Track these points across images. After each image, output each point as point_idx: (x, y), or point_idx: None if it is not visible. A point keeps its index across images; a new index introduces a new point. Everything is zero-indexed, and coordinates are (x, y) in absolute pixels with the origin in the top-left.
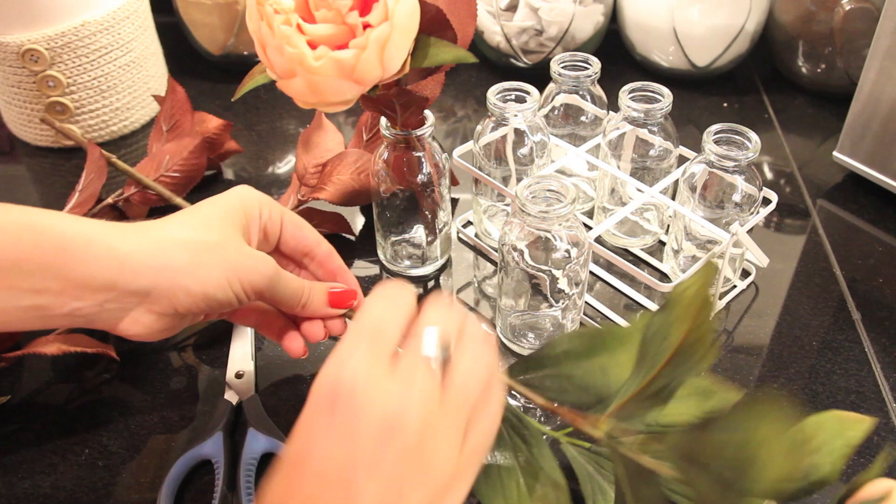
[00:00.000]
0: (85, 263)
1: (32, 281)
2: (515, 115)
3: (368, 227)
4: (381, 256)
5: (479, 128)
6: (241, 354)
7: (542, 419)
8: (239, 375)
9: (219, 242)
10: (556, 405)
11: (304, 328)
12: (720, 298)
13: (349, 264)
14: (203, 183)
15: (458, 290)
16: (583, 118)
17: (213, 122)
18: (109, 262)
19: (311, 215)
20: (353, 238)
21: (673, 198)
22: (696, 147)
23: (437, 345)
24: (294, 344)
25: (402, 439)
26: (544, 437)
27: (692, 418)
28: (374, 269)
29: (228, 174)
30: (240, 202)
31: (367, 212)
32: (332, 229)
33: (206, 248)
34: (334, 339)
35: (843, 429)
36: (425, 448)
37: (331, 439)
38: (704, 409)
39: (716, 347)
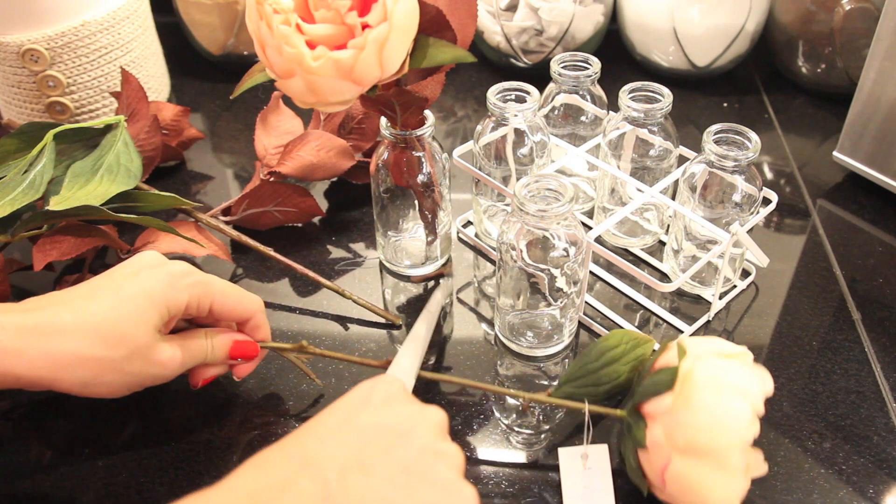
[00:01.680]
0: None
1: None
2: (515, 115)
3: (368, 226)
4: (381, 256)
5: (479, 128)
6: None
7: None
8: None
9: (126, 357)
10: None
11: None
12: (720, 298)
13: (349, 264)
14: (167, 171)
15: (459, 290)
16: (583, 118)
17: (170, 110)
18: (4, 378)
19: (275, 192)
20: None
21: (673, 198)
22: (696, 147)
23: None
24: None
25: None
26: None
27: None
28: (374, 269)
29: (228, 174)
30: (165, 296)
31: (366, 211)
32: (298, 206)
33: (109, 366)
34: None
35: (635, 346)
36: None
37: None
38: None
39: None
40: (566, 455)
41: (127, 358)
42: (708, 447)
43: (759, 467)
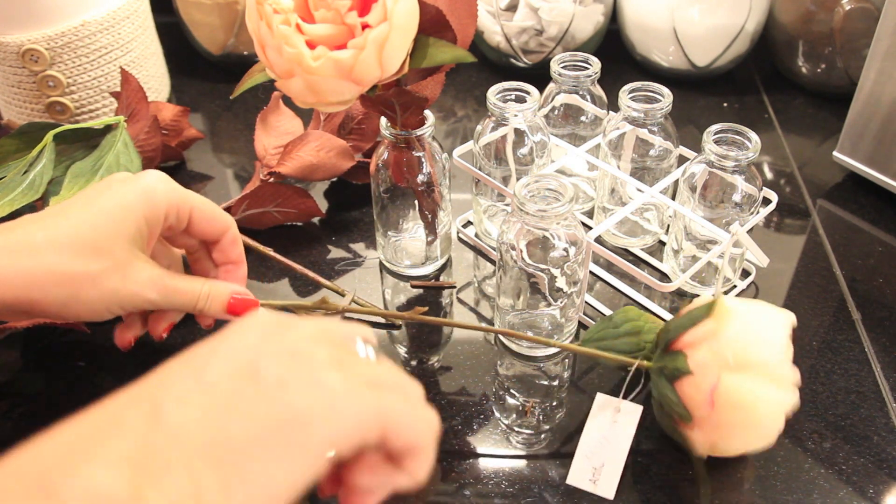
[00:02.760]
0: None
1: None
2: (515, 115)
3: (368, 226)
4: (381, 256)
5: (479, 128)
6: None
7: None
8: None
9: (103, 271)
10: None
11: (150, 322)
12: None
13: (349, 264)
14: (167, 171)
15: (459, 290)
16: (583, 118)
17: (169, 110)
18: None
19: (275, 193)
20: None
21: (673, 198)
22: (696, 147)
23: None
24: (123, 337)
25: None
26: None
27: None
28: (374, 269)
29: (228, 174)
30: (142, 206)
31: (366, 211)
32: (297, 206)
33: (86, 282)
34: None
35: (652, 330)
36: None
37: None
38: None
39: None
40: (601, 402)
41: (104, 272)
42: (759, 359)
43: (797, 392)
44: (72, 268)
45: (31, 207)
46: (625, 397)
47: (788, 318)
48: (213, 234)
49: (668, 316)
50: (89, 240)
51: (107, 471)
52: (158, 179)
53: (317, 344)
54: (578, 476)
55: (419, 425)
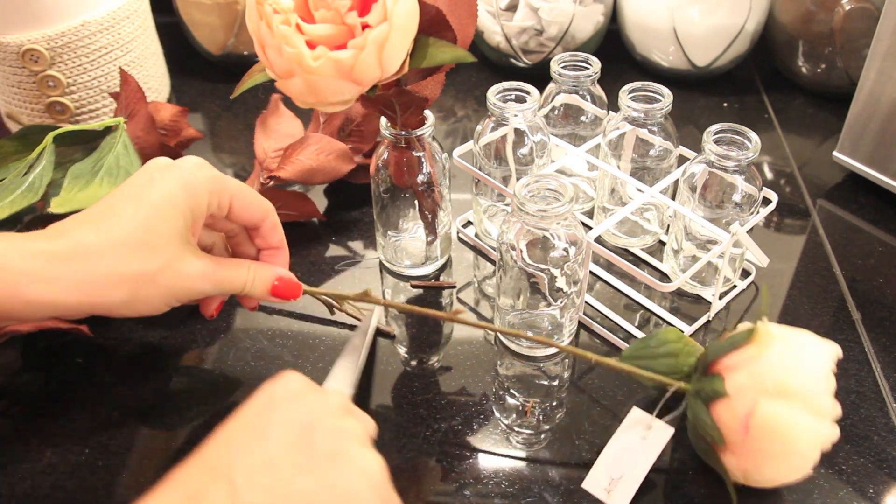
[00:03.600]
0: (16, 310)
1: None
2: (515, 115)
3: (368, 226)
4: (381, 256)
5: (479, 128)
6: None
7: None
8: None
9: (160, 269)
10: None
11: (202, 305)
12: (720, 298)
13: (349, 264)
14: None
15: (459, 290)
16: (583, 118)
17: (168, 110)
18: (42, 307)
19: (275, 197)
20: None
21: (673, 198)
22: (696, 147)
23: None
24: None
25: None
26: None
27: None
28: (374, 269)
29: (228, 174)
30: (186, 198)
31: (366, 211)
32: (298, 210)
33: (145, 281)
34: None
35: (691, 354)
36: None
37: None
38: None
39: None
40: (635, 417)
41: (160, 270)
42: (799, 388)
43: (836, 428)
44: (130, 268)
45: (31, 209)
46: (659, 417)
47: (833, 351)
48: (252, 221)
49: (685, 327)
50: (143, 239)
51: None
52: (198, 166)
53: (347, 416)
54: (595, 483)
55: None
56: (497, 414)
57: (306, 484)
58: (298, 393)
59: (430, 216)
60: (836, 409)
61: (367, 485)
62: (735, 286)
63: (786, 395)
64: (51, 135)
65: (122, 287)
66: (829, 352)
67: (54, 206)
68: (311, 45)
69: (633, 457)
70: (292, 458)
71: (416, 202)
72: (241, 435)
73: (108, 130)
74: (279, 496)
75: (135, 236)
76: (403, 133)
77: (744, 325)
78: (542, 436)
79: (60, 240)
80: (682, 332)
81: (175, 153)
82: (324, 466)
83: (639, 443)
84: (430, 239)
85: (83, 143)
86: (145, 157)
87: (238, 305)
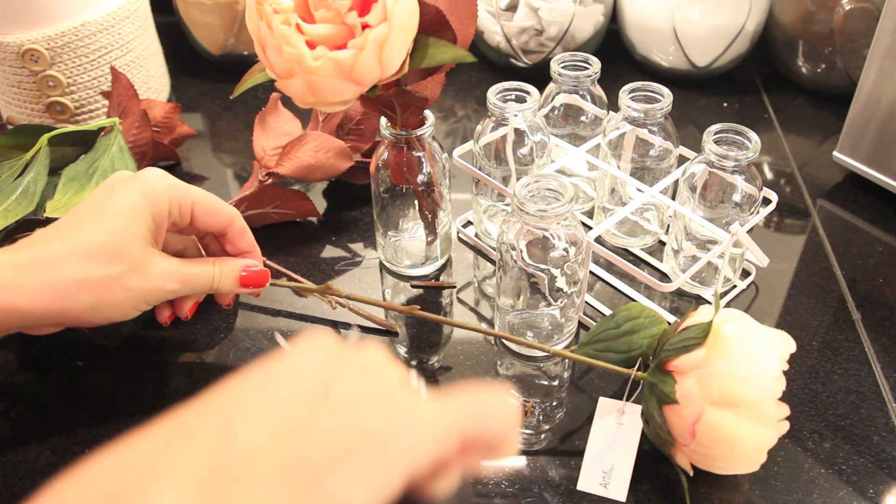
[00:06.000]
0: None
1: None
2: (515, 115)
3: (368, 226)
4: (381, 256)
5: (479, 128)
6: None
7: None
8: None
9: (125, 272)
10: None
11: (176, 305)
12: (720, 298)
13: (349, 264)
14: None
15: (458, 290)
16: (583, 118)
17: (161, 107)
18: (9, 316)
19: (273, 195)
20: (320, 219)
21: (673, 198)
22: (696, 147)
23: None
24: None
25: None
26: None
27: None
28: (374, 269)
29: (228, 174)
30: (147, 206)
31: (366, 211)
32: (295, 208)
33: (110, 285)
34: None
35: (654, 323)
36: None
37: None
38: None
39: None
40: (604, 406)
41: (125, 273)
42: (744, 397)
43: (784, 424)
44: (94, 273)
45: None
46: (627, 399)
47: (787, 347)
48: (217, 227)
49: (667, 316)
50: (106, 245)
51: (177, 491)
52: (157, 177)
53: (384, 365)
54: (589, 481)
55: (498, 416)
56: None
57: (320, 429)
58: (322, 347)
59: (430, 216)
60: (781, 411)
61: (399, 427)
62: (735, 286)
63: (731, 405)
64: (45, 136)
65: (87, 292)
66: (780, 351)
67: (49, 210)
68: (311, 45)
69: (616, 446)
70: (304, 406)
71: (416, 202)
72: (246, 385)
73: (104, 131)
74: (287, 436)
75: (99, 243)
76: (403, 133)
77: (702, 314)
78: (542, 436)
79: (26, 251)
80: (644, 304)
81: (169, 150)
82: (342, 413)
83: (617, 431)
84: (430, 239)
85: (78, 145)
86: (140, 154)
87: (238, 306)
